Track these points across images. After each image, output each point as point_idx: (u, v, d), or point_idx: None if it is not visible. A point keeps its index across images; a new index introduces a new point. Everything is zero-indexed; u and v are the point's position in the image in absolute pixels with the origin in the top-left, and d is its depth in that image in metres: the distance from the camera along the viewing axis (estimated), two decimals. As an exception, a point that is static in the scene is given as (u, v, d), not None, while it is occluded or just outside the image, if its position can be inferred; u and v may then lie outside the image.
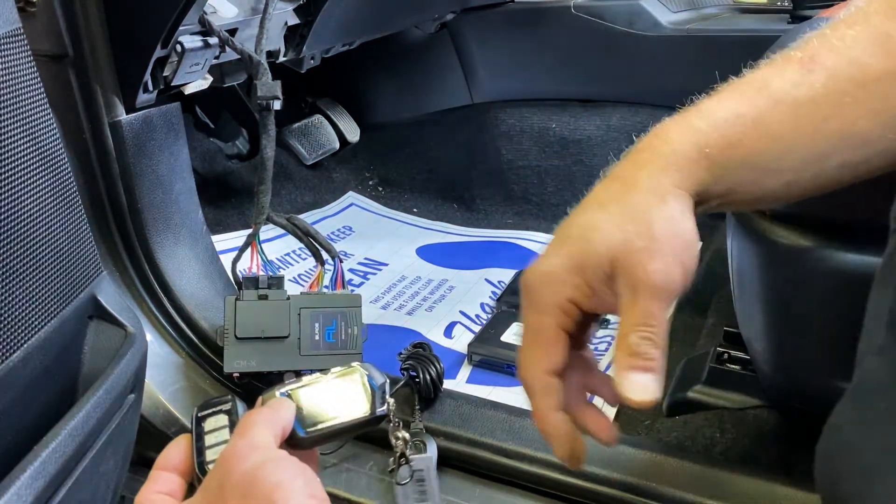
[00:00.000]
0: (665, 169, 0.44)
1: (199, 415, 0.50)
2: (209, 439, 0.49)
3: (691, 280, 0.46)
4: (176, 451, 0.48)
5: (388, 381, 0.51)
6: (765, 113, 0.44)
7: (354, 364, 0.51)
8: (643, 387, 0.43)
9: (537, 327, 0.48)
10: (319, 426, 0.48)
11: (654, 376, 0.43)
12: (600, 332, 1.15)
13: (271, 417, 0.46)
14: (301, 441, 0.47)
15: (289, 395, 0.48)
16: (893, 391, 0.31)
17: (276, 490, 0.39)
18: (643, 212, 0.44)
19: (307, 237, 0.94)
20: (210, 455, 0.48)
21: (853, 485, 0.34)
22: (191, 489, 0.47)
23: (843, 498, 0.34)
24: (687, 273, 0.45)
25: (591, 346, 0.54)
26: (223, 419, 0.50)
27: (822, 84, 0.44)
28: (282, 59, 1.09)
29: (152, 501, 0.45)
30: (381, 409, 0.50)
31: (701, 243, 0.46)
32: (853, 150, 0.44)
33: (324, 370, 0.50)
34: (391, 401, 0.51)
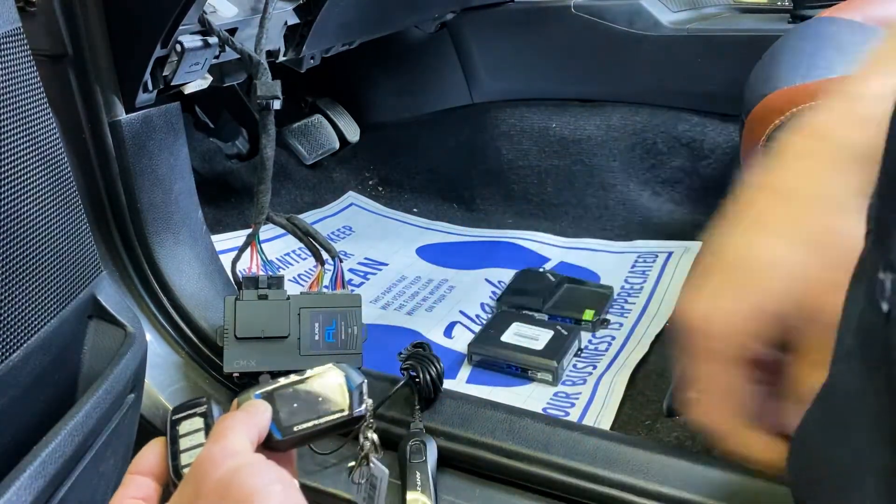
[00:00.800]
0: (841, 172, 0.37)
1: (174, 418, 0.49)
2: (184, 443, 0.48)
3: None
4: (150, 455, 0.47)
5: (365, 381, 0.50)
6: None
7: (331, 364, 0.50)
8: None
9: (708, 379, 0.39)
10: (296, 428, 0.47)
11: None
12: (600, 332, 1.15)
13: (247, 421, 0.45)
14: (278, 444, 0.47)
15: (265, 397, 0.48)
16: (861, 397, 0.29)
17: (252, 496, 0.38)
18: (826, 234, 0.36)
19: (307, 237, 0.94)
20: (185, 459, 0.47)
21: (828, 495, 0.33)
22: (166, 494, 0.46)
23: None
24: None
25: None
26: (198, 422, 0.49)
27: None
28: (282, 58, 1.09)
29: None
30: (358, 410, 0.48)
31: None
32: None
33: (300, 371, 0.49)
34: (369, 401, 0.50)
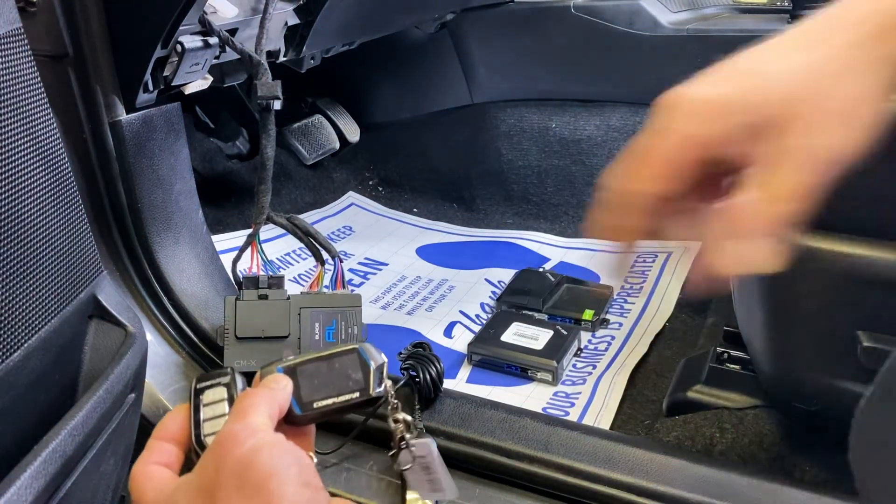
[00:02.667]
0: (867, 32, 0.36)
1: (198, 387, 0.50)
2: (207, 412, 0.49)
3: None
4: (174, 422, 0.48)
5: (386, 361, 0.50)
6: None
7: (353, 344, 0.50)
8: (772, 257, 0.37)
9: (652, 147, 0.38)
10: (316, 404, 0.48)
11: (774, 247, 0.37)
12: (600, 332, 1.15)
13: (268, 398, 0.46)
14: (298, 419, 0.47)
15: (288, 371, 0.48)
16: None
17: (271, 478, 0.39)
18: (835, 69, 0.36)
19: (307, 237, 0.94)
20: (207, 428, 0.48)
21: (891, 476, 0.33)
22: (187, 460, 0.47)
23: (883, 492, 0.34)
24: (858, 154, 0.36)
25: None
26: (222, 392, 0.50)
27: None
28: (282, 59, 1.09)
29: (149, 472, 0.46)
30: (378, 390, 0.49)
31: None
32: None
33: (322, 349, 0.50)
34: (389, 382, 0.51)
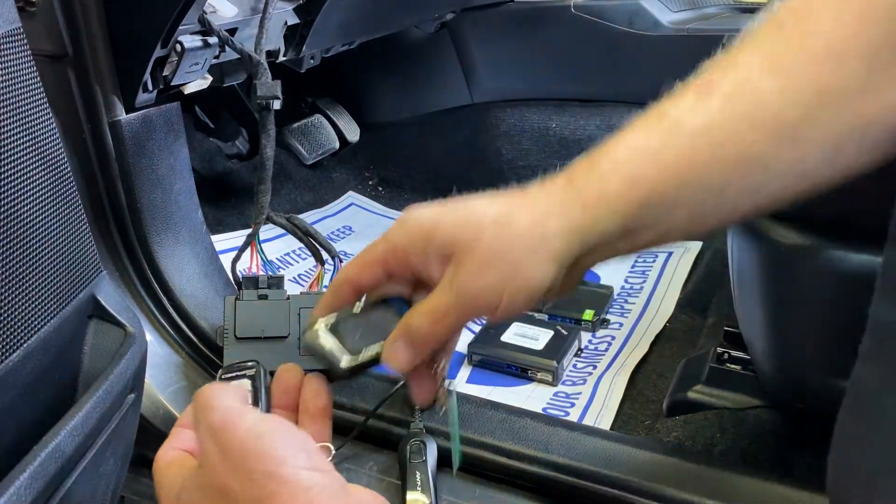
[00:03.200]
0: (558, 214, 0.45)
1: (224, 377, 0.51)
2: None
3: (505, 315, 0.47)
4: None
5: None
6: (662, 145, 0.44)
7: (384, 299, 0.52)
8: (397, 355, 0.48)
9: (371, 247, 0.52)
10: (361, 355, 0.49)
11: (412, 355, 0.48)
12: (600, 332, 1.15)
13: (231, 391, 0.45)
14: (342, 371, 0.49)
15: (332, 329, 0.50)
16: (883, 397, 0.31)
17: (280, 466, 0.38)
18: (514, 229, 0.46)
19: (307, 237, 0.94)
20: None
21: (860, 493, 0.34)
22: None
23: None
24: (502, 308, 0.46)
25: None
26: (246, 384, 0.50)
27: (718, 108, 0.43)
28: (282, 58, 1.09)
29: (171, 457, 0.46)
30: None
31: (553, 288, 0.47)
32: (750, 175, 0.43)
33: (357, 302, 0.52)
34: None
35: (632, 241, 0.45)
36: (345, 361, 0.49)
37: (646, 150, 0.44)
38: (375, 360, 0.50)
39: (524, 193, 0.48)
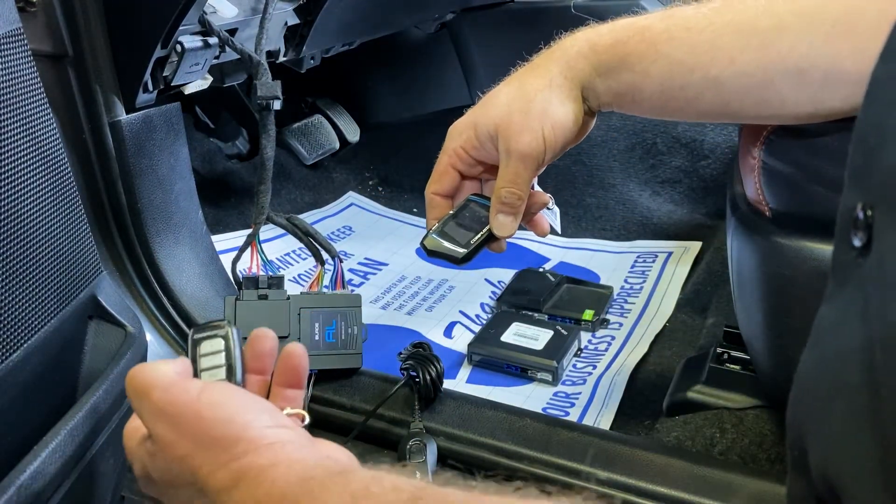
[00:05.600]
0: (558, 60, 0.60)
1: (195, 337, 0.50)
2: (204, 362, 0.49)
3: (557, 152, 0.61)
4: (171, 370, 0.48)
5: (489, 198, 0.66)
6: (653, 23, 0.56)
7: (467, 197, 0.67)
8: (505, 224, 0.62)
9: (438, 162, 0.66)
10: (471, 242, 0.64)
11: (514, 218, 0.62)
12: (600, 332, 1.16)
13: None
14: (465, 256, 0.63)
15: (439, 234, 0.65)
16: (838, 329, 0.33)
17: (246, 430, 0.39)
18: (529, 92, 0.59)
19: (307, 237, 0.94)
20: (205, 378, 0.48)
21: (813, 415, 0.36)
22: None
23: (805, 437, 0.36)
24: (549, 147, 0.59)
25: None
26: (219, 343, 0.50)
27: (707, 9, 0.54)
28: (282, 59, 1.09)
29: (139, 437, 0.46)
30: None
31: (577, 126, 0.61)
32: (716, 64, 0.53)
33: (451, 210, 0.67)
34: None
35: (618, 99, 0.59)
36: (461, 253, 0.63)
37: (633, 23, 0.58)
38: (482, 244, 0.64)
39: (531, 65, 0.62)
